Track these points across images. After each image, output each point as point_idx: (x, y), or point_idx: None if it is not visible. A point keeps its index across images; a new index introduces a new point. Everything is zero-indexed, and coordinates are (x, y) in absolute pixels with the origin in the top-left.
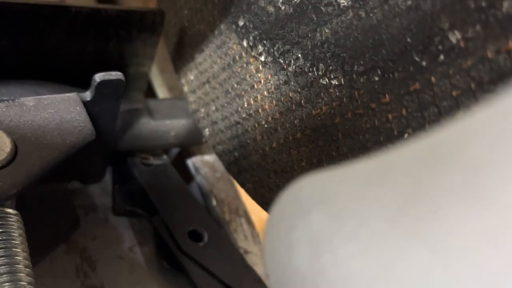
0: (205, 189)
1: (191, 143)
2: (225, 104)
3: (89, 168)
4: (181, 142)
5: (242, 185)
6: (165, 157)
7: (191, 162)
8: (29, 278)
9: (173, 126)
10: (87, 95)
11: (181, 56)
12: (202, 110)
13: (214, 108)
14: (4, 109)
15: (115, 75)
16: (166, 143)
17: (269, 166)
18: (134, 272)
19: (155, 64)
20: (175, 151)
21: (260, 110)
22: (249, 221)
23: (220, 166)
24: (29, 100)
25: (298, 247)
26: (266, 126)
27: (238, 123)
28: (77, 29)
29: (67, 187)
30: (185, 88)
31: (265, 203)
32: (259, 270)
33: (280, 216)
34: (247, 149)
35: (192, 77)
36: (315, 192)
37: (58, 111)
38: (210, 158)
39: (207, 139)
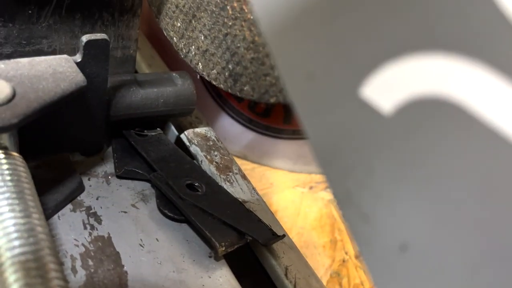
0: (200, 155)
1: (180, 110)
2: (213, 25)
3: (88, 137)
4: (171, 109)
5: (241, 92)
6: (158, 129)
7: (184, 135)
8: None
9: (161, 93)
10: (77, 56)
11: (166, 11)
12: (193, 47)
13: (203, 37)
14: (2, 66)
15: (100, 35)
16: (157, 110)
17: (261, 53)
18: (138, 223)
19: (142, 60)
20: (173, 135)
21: (244, 6)
22: (245, 177)
23: (212, 135)
24: (24, 59)
25: None
26: (252, 17)
27: (226, 34)
28: (63, 12)
29: (70, 158)
30: (175, 39)
31: (266, 93)
32: (258, 215)
33: None
34: (239, 53)
35: (179, 24)
36: None
37: (51, 66)
38: (201, 130)
39: (201, 72)
